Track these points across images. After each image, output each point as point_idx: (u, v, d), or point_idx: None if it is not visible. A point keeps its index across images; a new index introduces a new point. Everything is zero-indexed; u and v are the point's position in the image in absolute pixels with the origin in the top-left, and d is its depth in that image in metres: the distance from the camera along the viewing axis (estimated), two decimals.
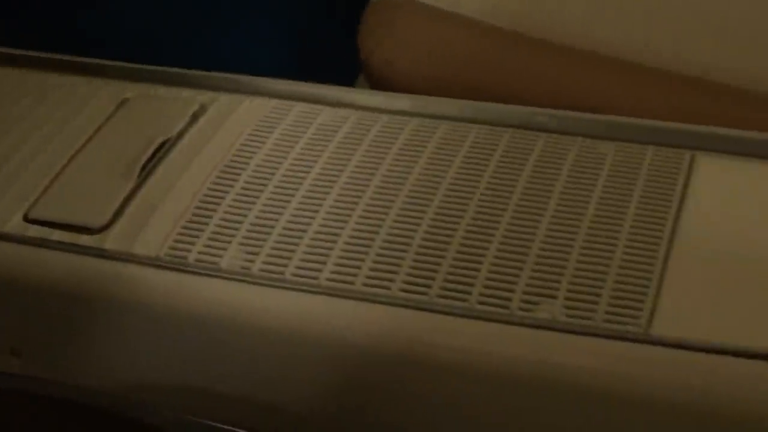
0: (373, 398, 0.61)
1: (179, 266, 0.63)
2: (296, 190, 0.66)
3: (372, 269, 0.61)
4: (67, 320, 0.65)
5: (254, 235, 0.64)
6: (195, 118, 0.73)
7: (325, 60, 0.98)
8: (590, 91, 0.78)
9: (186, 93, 0.75)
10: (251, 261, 0.62)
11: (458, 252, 0.61)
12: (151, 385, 0.65)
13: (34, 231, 0.66)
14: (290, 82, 0.75)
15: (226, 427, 0.66)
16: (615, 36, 0.80)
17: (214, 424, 0.66)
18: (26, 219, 0.67)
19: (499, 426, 0.59)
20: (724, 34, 0.80)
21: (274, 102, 0.73)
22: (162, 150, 0.70)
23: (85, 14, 1.02)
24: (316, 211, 0.64)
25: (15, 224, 0.66)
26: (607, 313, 0.57)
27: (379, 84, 0.83)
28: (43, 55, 0.81)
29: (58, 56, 0.80)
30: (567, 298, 0.58)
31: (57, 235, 0.66)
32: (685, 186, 0.64)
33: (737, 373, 0.55)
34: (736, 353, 0.55)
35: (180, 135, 0.72)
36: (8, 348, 0.67)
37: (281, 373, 0.62)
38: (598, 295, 0.58)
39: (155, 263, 0.63)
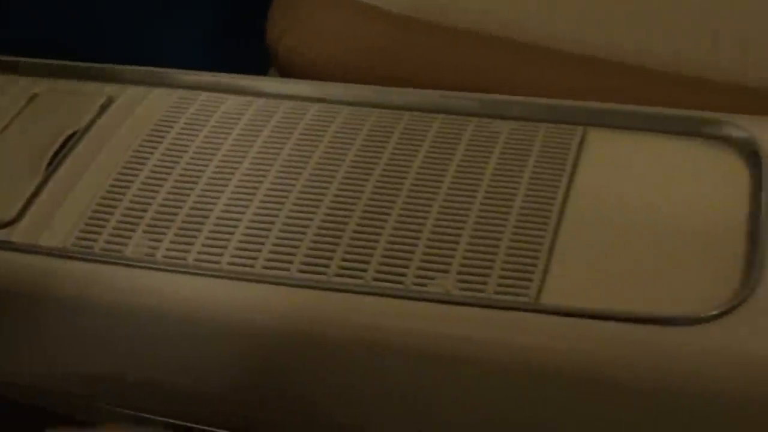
0: (278, 378, 0.62)
1: (86, 256, 0.64)
2: (199, 177, 0.67)
3: (272, 252, 0.62)
4: None
5: (158, 222, 0.65)
6: (102, 110, 0.74)
7: (239, 51, 0.99)
8: (489, 73, 0.80)
9: (94, 86, 0.77)
10: (155, 248, 0.64)
11: (355, 232, 0.62)
12: (63, 376, 0.66)
13: None
14: (195, 72, 0.76)
15: (141, 414, 0.68)
16: (513, 18, 0.82)
17: (128, 411, 0.68)
18: None
19: (400, 398, 0.61)
20: (618, 14, 0.82)
21: (179, 92, 0.75)
22: (70, 142, 0.72)
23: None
24: (218, 198, 0.66)
25: None
26: (498, 285, 0.59)
27: (287, 72, 0.85)
28: None
29: None
30: (460, 272, 0.60)
31: None
32: (576, 160, 0.66)
33: (625, 338, 0.57)
34: (624, 318, 0.58)
35: (87, 127, 0.73)
36: None
37: (189, 358, 0.63)
38: (489, 268, 0.60)
39: (62, 254, 0.64)
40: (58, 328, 0.65)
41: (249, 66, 0.82)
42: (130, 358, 0.64)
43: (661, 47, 0.80)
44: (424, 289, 0.59)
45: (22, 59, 0.80)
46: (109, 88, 0.76)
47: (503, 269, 0.60)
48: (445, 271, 0.60)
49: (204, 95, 0.74)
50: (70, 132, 0.72)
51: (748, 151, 0.65)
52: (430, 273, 0.60)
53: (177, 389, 0.65)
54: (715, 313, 0.57)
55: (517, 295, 0.59)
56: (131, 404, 0.67)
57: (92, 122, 0.73)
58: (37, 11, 1.01)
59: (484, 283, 0.59)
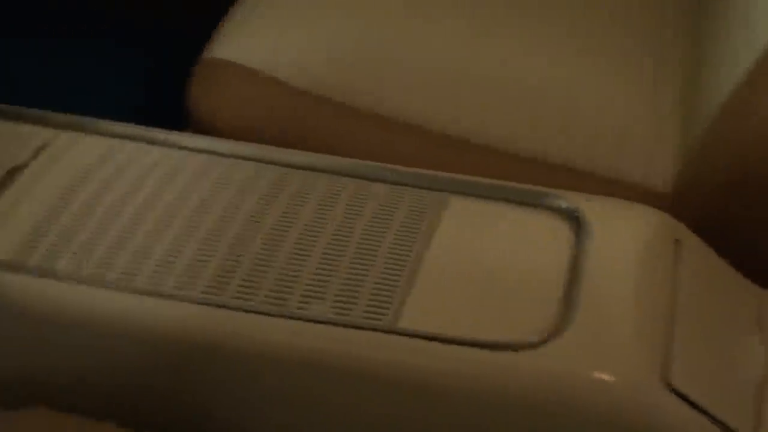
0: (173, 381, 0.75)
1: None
2: (122, 212, 0.80)
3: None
4: None
5: (87, 246, 0.77)
6: (37, 152, 0.85)
7: (161, 110, 1.12)
8: (370, 144, 0.96)
9: (28, 129, 0.87)
10: (82, 266, 0.76)
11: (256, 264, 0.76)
12: None
13: None
14: (122, 123, 0.88)
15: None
16: (397, 100, 0.98)
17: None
18: None
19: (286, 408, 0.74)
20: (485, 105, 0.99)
21: (109, 140, 0.87)
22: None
23: None
24: (138, 227, 0.79)
25: None
26: (363, 311, 0.73)
27: (202, 131, 0.98)
28: None
29: None
30: (335, 300, 0.74)
31: None
32: (436, 220, 0.81)
33: (465, 359, 0.72)
34: (463, 343, 0.72)
35: (24, 166, 0.84)
36: None
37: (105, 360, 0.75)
38: (356, 296, 0.74)
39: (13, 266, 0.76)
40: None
41: (169, 123, 0.95)
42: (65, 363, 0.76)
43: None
44: (305, 311, 0.73)
45: None
46: (45, 132, 0.88)
47: (370, 299, 0.74)
48: (322, 298, 0.74)
49: (130, 145, 0.87)
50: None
51: (572, 219, 0.81)
52: (309, 299, 0.74)
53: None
54: (537, 340, 0.72)
55: (378, 319, 0.73)
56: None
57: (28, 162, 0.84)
58: None
59: (352, 309, 0.73)
